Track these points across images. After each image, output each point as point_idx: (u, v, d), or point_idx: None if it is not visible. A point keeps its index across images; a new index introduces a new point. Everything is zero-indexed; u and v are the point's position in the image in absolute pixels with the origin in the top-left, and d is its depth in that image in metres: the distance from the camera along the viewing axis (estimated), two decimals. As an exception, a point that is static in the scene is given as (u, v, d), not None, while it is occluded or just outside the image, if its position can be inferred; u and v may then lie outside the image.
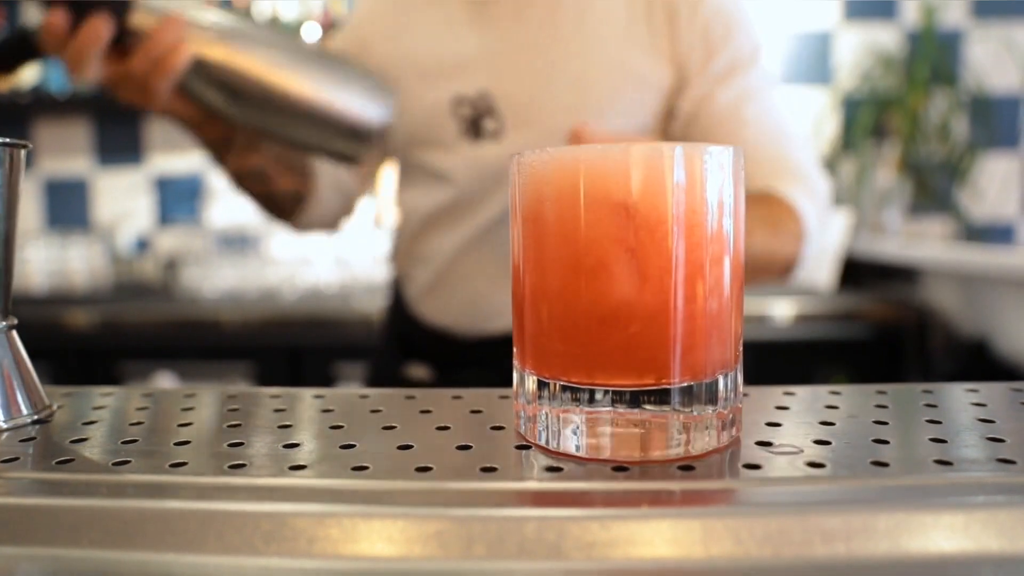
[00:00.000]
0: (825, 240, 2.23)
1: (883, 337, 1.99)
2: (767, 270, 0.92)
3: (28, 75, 2.56)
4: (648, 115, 0.94)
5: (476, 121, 0.95)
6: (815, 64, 2.53)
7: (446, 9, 0.99)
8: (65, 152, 2.70)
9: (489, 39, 0.96)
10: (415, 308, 1.08)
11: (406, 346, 1.10)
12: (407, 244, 1.09)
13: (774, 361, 1.95)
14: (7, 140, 0.41)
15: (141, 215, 2.74)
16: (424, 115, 0.98)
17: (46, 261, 2.40)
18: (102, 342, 2.08)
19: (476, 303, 1.01)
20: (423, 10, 1.01)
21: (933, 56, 2.41)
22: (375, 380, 1.18)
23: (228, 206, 2.66)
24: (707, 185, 0.36)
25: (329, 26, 2.39)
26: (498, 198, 0.97)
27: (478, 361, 1.01)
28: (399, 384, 1.05)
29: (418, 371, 1.07)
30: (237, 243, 2.65)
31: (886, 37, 2.50)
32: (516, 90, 0.94)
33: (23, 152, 0.43)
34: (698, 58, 0.93)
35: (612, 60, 0.93)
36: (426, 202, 1.02)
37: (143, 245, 2.74)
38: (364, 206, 2.53)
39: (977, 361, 1.77)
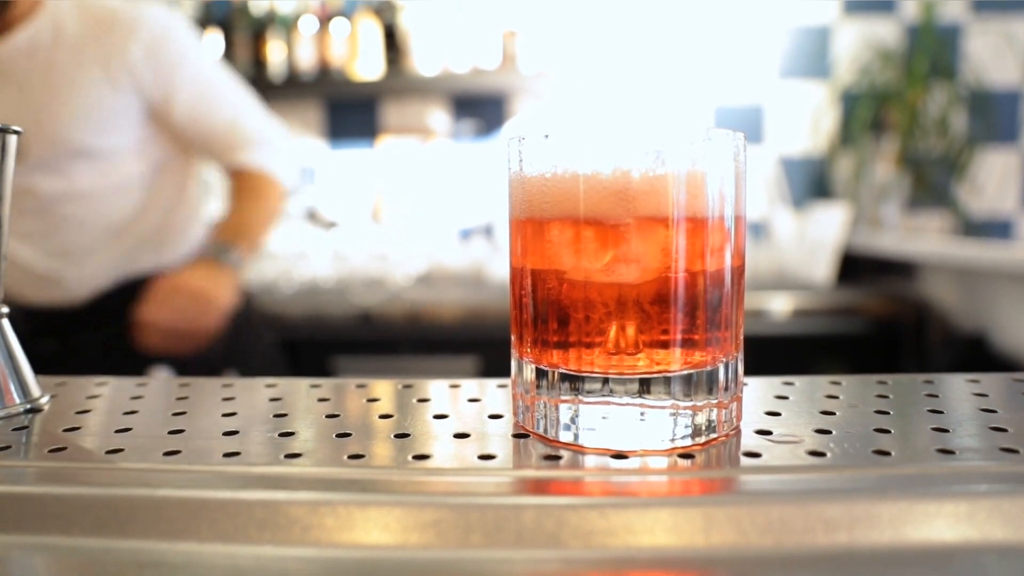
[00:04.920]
0: (823, 234, 2.23)
1: (881, 332, 1.99)
2: (278, 213, 1.32)
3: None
4: (132, 113, 1.20)
5: None
6: (814, 58, 2.52)
7: None
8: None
9: None
10: (15, 294, 1.29)
11: (30, 326, 1.29)
12: None
13: (771, 356, 1.94)
14: (-2, 125, 0.41)
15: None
16: None
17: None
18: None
19: (53, 277, 1.23)
20: None
21: (932, 50, 2.41)
22: None
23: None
24: (708, 174, 0.35)
25: (326, 19, 2.38)
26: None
27: (81, 326, 1.25)
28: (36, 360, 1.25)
29: (46, 344, 1.27)
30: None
31: (885, 31, 2.49)
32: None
33: (13, 138, 0.43)
34: (141, 69, 1.18)
35: (71, 92, 1.17)
36: None
37: (140, 238, 2.73)
38: (362, 201, 2.53)
39: (975, 356, 1.76)
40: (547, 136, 0.36)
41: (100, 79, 1.17)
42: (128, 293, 1.25)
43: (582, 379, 0.36)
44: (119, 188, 1.23)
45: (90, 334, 1.26)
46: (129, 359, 1.23)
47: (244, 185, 1.28)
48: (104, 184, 1.22)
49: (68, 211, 1.21)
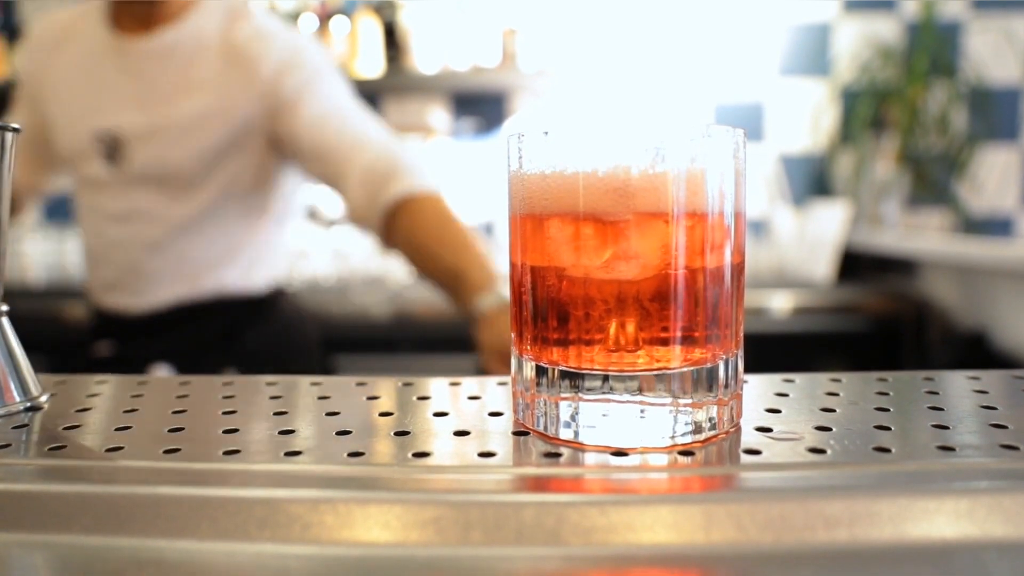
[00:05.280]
0: (823, 232, 2.23)
1: (881, 329, 1.99)
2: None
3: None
4: (236, 149, 1.19)
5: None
6: (814, 56, 2.52)
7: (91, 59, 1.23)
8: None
9: (112, 83, 1.21)
10: (94, 296, 1.30)
11: (95, 329, 1.31)
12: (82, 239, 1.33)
13: (772, 354, 1.94)
14: (-3, 123, 0.41)
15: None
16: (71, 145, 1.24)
17: (43, 254, 2.39)
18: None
19: (127, 283, 1.24)
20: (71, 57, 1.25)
21: (932, 48, 2.40)
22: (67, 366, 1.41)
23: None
24: (707, 171, 0.35)
25: (327, 17, 2.37)
26: (131, 196, 1.20)
27: (146, 334, 1.24)
28: (88, 363, 1.28)
29: (102, 348, 1.27)
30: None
31: (885, 29, 2.49)
32: (132, 127, 1.18)
33: (11, 135, 0.42)
34: (277, 91, 1.16)
35: (200, 99, 1.17)
36: (81, 203, 1.28)
37: (140, 237, 2.72)
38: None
39: (975, 353, 1.76)
40: (547, 133, 0.36)
41: (233, 86, 1.16)
42: (190, 311, 1.24)
43: (582, 376, 0.36)
44: (207, 212, 1.22)
45: (145, 344, 1.25)
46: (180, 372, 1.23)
47: (423, 220, 1.08)
48: (198, 205, 1.21)
49: (180, 221, 1.21)
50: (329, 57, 1.27)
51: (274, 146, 1.22)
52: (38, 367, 0.46)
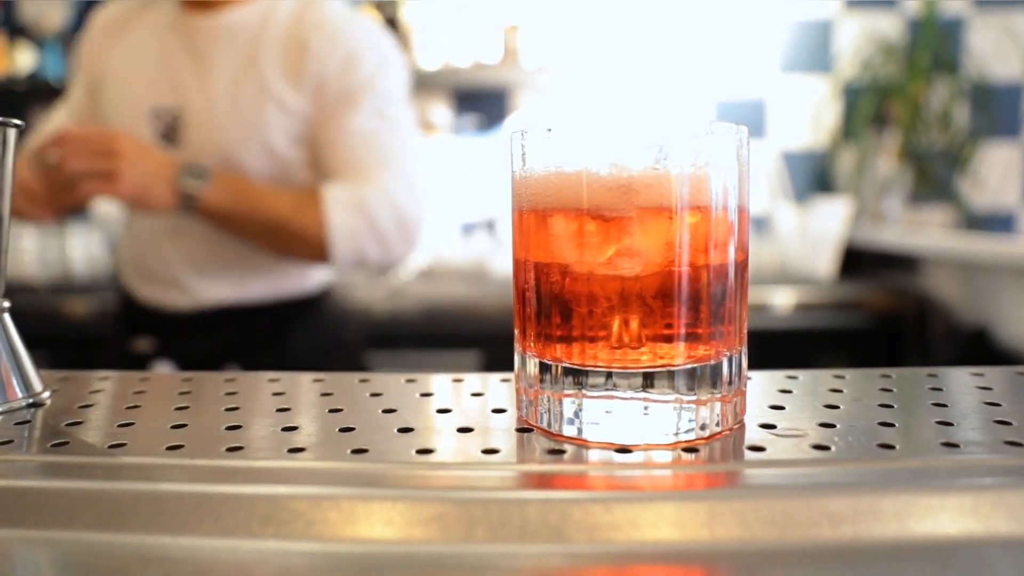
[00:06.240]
0: (825, 228, 2.23)
1: (883, 326, 1.99)
2: (294, 244, 1.10)
3: (24, 62, 2.54)
4: (289, 138, 1.13)
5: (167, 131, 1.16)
6: (816, 52, 2.52)
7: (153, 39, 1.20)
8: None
9: (175, 61, 1.16)
10: (132, 289, 1.25)
11: (130, 323, 1.26)
12: (123, 231, 1.30)
13: (774, 350, 1.94)
14: (-1, 119, 0.41)
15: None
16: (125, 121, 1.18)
17: (44, 251, 2.39)
18: (101, 331, 2.07)
19: (177, 280, 1.18)
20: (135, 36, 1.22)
21: (934, 44, 2.40)
22: (103, 358, 1.31)
23: None
24: (711, 168, 0.35)
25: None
26: None
27: (191, 332, 1.19)
28: (127, 358, 1.23)
29: (142, 344, 1.22)
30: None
31: (887, 25, 2.49)
32: (191, 105, 1.14)
33: (14, 131, 0.42)
34: (325, 87, 1.12)
35: (259, 83, 1.12)
36: None
37: (141, 234, 2.72)
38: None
39: (977, 349, 1.76)
40: (550, 130, 0.36)
41: (283, 88, 1.11)
42: (239, 312, 1.19)
43: (586, 373, 0.36)
44: None
45: (188, 344, 1.20)
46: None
47: (299, 195, 1.11)
48: None
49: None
50: (394, 57, 1.18)
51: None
52: (40, 363, 0.46)
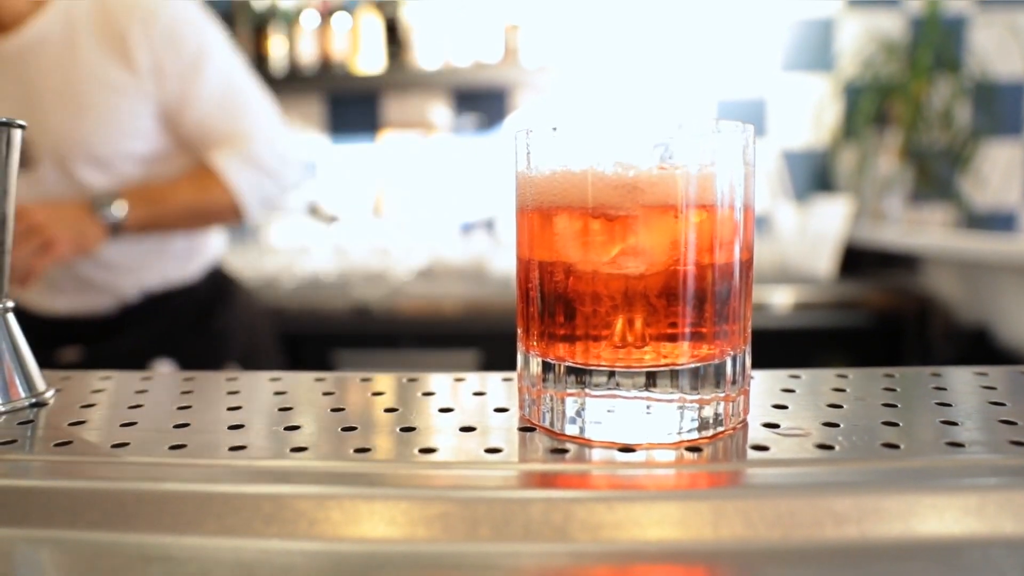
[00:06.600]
0: (825, 227, 2.23)
1: (884, 325, 1.98)
2: (212, 217, 1.22)
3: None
4: (146, 118, 1.16)
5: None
6: (817, 51, 2.51)
7: None
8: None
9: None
10: (35, 306, 1.26)
11: (50, 337, 1.26)
12: None
13: (773, 349, 1.94)
14: (2, 119, 0.41)
15: (139, 203, 2.72)
16: None
17: None
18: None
19: (68, 287, 1.22)
20: None
21: (936, 42, 2.39)
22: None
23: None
24: (717, 167, 0.35)
25: (328, 13, 2.37)
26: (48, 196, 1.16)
27: (118, 330, 1.24)
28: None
29: (68, 354, 1.24)
30: (236, 232, 2.63)
31: (889, 23, 2.48)
32: (33, 127, 1.14)
33: (18, 132, 0.42)
34: (161, 64, 1.14)
35: (92, 80, 1.13)
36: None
37: (142, 233, 2.72)
38: (363, 195, 2.52)
39: (978, 349, 1.76)
40: (555, 129, 0.36)
41: (117, 74, 1.12)
42: (154, 303, 1.25)
43: (589, 372, 0.36)
44: None
45: (117, 342, 1.24)
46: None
47: (197, 176, 1.19)
48: None
49: None
50: (202, 15, 1.21)
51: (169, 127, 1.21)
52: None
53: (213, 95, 1.17)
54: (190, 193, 1.18)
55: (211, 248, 1.35)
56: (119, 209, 1.11)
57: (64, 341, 1.24)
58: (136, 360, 1.21)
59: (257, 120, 1.22)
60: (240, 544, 0.30)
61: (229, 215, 1.21)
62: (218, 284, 1.35)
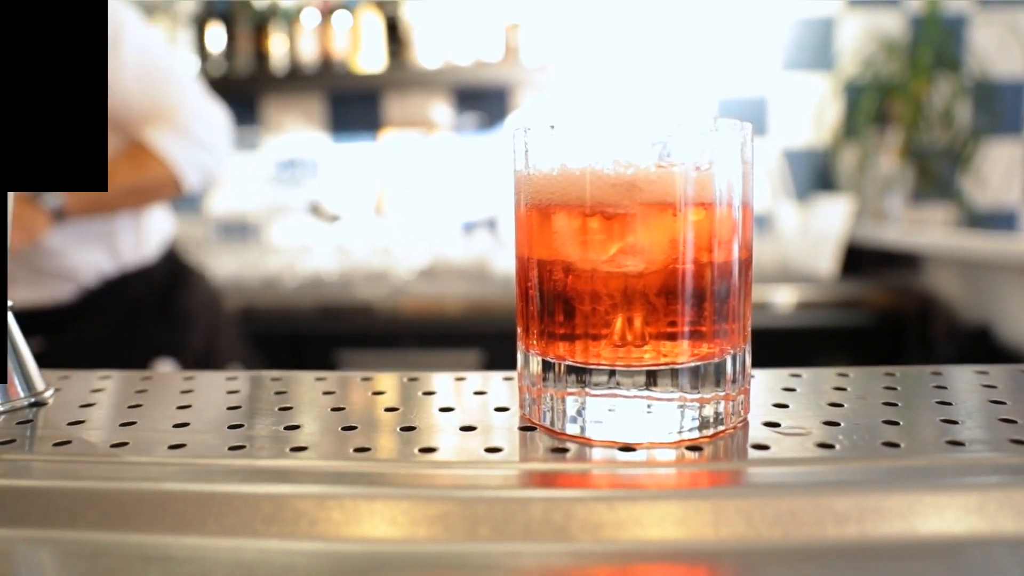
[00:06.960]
0: (826, 226, 2.23)
1: (885, 324, 1.98)
2: (153, 193, 1.25)
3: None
4: None
5: None
6: (818, 50, 2.51)
7: None
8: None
9: None
10: None
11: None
12: None
13: (775, 348, 1.93)
14: None
15: (140, 203, 2.72)
16: None
17: None
18: None
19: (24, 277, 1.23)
20: None
21: (937, 42, 2.39)
22: None
23: (229, 194, 2.65)
24: (715, 165, 0.35)
25: (328, 12, 2.37)
26: None
27: (39, 330, 1.23)
28: None
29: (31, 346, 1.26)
30: (238, 231, 2.64)
31: (889, 23, 2.48)
32: None
33: (17, 130, 0.42)
34: None
35: None
36: None
37: (142, 233, 2.72)
38: (366, 194, 2.52)
39: (979, 348, 1.76)
40: (553, 127, 0.36)
41: None
42: (113, 288, 1.26)
43: (589, 371, 0.36)
44: None
45: (80, 330, 1.26)
46: (124, 353, 1.24)
47: (133, 155, 1.21)
48: None
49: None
50: (123, 6, 1.22)
51: None
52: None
53: (133, 71, 1.18)
54: (128, 172, 1.20)
55: (161, 226, 1.36)
56: (58, 195, 1.13)
57: (26, 333, 1.23)
58: (100, 348, 1.23)
59: (182, 93, 1.25)
60: (240, 544, 0.30)
61: (170, 189, 1.24)
62: (175, 267, 1.37)
